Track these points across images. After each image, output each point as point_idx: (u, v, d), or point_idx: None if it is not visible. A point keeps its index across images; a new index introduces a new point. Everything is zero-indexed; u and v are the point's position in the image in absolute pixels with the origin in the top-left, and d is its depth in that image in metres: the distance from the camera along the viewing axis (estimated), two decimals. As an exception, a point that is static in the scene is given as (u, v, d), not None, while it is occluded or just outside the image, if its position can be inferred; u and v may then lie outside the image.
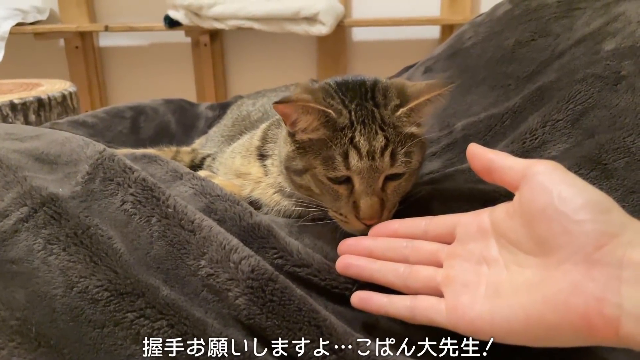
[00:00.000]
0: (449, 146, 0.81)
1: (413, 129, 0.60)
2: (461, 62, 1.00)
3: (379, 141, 0.58)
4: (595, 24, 0.81)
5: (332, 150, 0.58)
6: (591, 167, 0.62)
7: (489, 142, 0.76)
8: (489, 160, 0.48)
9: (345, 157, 0.57)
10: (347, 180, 0.59)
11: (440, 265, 0.51)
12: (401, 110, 0.59)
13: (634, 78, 0.70)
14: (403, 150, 0.58)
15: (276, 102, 0.58)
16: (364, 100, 0.60)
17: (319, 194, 0.62)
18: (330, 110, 0.58)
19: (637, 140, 0.63)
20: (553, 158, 0.66)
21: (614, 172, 0.61)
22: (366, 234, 0.59)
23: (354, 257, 0.55)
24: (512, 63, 0.88)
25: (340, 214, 0.60)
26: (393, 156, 0.58)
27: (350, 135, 0.58)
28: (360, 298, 0.53)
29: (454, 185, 0.66)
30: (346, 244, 0.57)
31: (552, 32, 0.87)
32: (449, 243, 0.52)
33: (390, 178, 0.60)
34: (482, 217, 0.49)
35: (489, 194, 0.61)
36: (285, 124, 0.62)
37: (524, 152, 0.68)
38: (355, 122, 0.58)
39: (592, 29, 0.81)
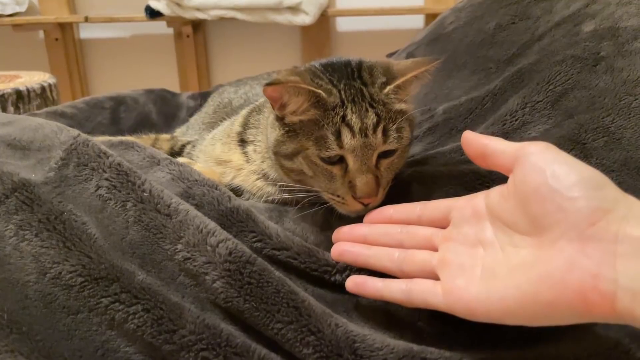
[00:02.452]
0: (430, 130, 0.80)
1: (402, 106, 0.60)
2: (442, 47, 0.99)
3: (371, 118, 0.58)
4: (575, 6, 0.81)
5: (325, 130, 0.58)
6: (571, 146, 0.62)
7: (470, 125, 0.76)
8: (483, 145, 0.48)
9: (338, 135, 0.57)
10: (341, 160, 0.59)
11: (435, 250, 0.50)
12: (389, 88, 0.59)
13: (613, 59, 0.70)
14: (394, 127, 0.59)
15: (266, 84, 0.57)
16: (351, 80, 0.60)
17: (312, 176, 0.61)
18: (320, 91, 0.58)
19: (616, 120, 0.63)
20: (533, 139, 0.66)
21: (593, 151, 0.61)
22: (362, 215, 0.59)
23: (348, 243, 0.55)
24: (492, 47, 0.87)
25: (338, 196, 0.60)
26: (385, 132, 0.58)
27: (342, 113, 0.58)
28: (355, 282, 0.53)
29: (434, 168, 0.66)
30: (340, 231, 0.57)
31: (532, 15, 0.86)
32: (444, 227, 0.51)
33: (383, 155, 0.60)
34: (476, 200, 0.49)
35: (468, 176, 0.61)
36: (274, 108, 0.62)
37: (504, 134, 0.68)
38: (345, 101, 0.58)
39: (571, 11, 0.80)
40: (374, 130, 0.58)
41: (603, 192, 0.39)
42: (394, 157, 0.61)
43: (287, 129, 0.61)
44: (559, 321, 0.40)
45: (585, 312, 0.37)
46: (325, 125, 0.58)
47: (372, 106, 0.58)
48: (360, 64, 0.63)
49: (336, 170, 0.59)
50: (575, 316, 0.38)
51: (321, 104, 0.58)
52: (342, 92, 0.59)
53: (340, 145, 0.57)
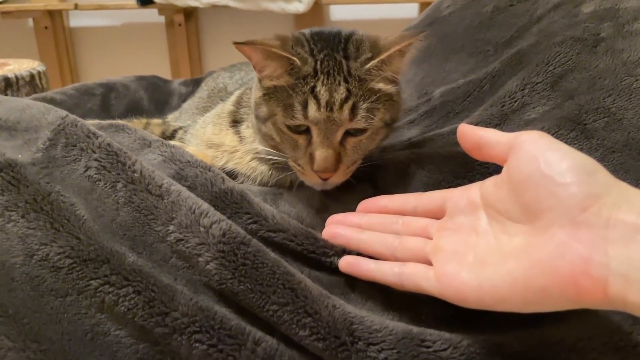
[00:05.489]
0: (427, 113, 0.79)
1: (381, 85, 0.59)
2: (439, 30, 0.98)
3: (340, 93, 0.57)
4: (574, -13, 0.80)
5: (293, 99, 0.58)
6: (571, 127, 0.61)
7: (468, 108, 0.75)
8: (478, 137, 0.48)
9: (305, 106, 0.57)
10: (307, 131, 0.59)
11: (430, 239, 0.50)
12: (372, 63, 0.58)
13: (613, 40, 0.69)
14: (365, 105, 0.57)
15: (238, 43, 0.57)
16: (334, 51, 0.59)
17: (280, 142, 0.61)
18: (294, 58, 0.57)
19: (616, 101, 0.62)
20: (532, 120, 0.65)
21: (594, 132, 0.60)
22: (324, 188, 0.60)
23: (341, 226, 0.55)
24: (490, 29, 0.86)
25: (299, 165, 0.60)
26: (354, 110, 0.57)
27: (312, 84, 0.57)
28: (348, 263, 0.52)
29: (432, 149, 0.65)
30: (335, 219, 0.57)
31: (531, -3, 0.85)
32: (439, 218, 0.51)
33: (351, 133, 0.59)
34: (471, 191, 0.49)
35: (468, 156, 0.60)
36: (255, 69, 0.62)
37: (503, 115, 0.67)
38: (319, 72, 0.58)
39: (570, -8, 0.79)
40: (341, 106, 0.57)
41: (595, 178, 0.39)
42: (362, 137, 0.60)
43: (264, 92, 0.62)
44: (551, 307, 0.40)
45: (577, 297, 0.37)
46: (294, 94, 0.57)
47: (346, 81, 0.57)
48: (349, 36, 0.62)
49: (301, 140, 0.60)
50: (568, 302, 0.38)
51: (295, 72, 0.58)
52: (319, 63, 0.58)
53: (305, 115, 0.57)
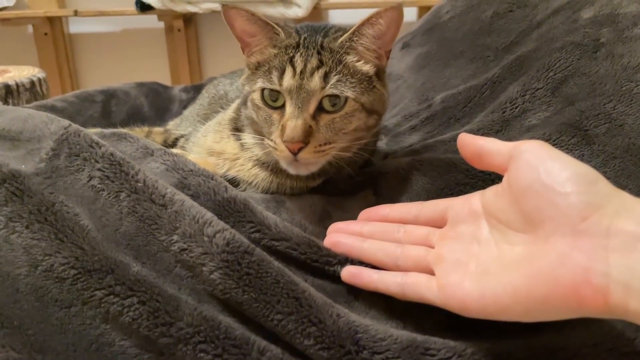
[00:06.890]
0: (429, 119, 0.79)
1: (354, 59, 0.62)
2: (439, 36, 0.98)
3: (312, 62, 0.61)
4: (573, -8, 0.80)
5: (273, 67, 0.62)
6: (572, 133, 0.61)
7: (469, 114, 0.75)
8: (478, 146, 0.48)
9: (282, 73, 0.61)
10: (282, 107, 0.62)
11: (431, 247, 0.50)
12: (343, 37, 0.62)
13: (613, 45, 0.69)
14: (337, 76, 0.60)
15: (225, 5, 0.62)
16: (316, 34, 0.64)
17: (257, 121, 0.66)
18: (278, 28, 0.63)
19: (617, 106, 0.62)
20: (534, 126, 0.65)
21: (595, 138, 0.60)
22: (298, 173, 0.63)
23: (343, 235, 0.55)
24: (490, 35, 0.87)
25: (272, 140, 0.62)
26: (326, 78, 0.60)
27: (292, 54, 0.62)
28: (350, 273, 0.52)
29: (433, 155, 0.65)
30: (336, 227, 0.57)
31: (530, 3, 0.85)
32: (441, 227, 0.51)
33: (326, 110, 0.61)
34: (473, 200, 0.49)
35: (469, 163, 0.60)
36: (243, 52, 0.67)
37: (504, 121, 0.67)
38: (301, 45, 0.63)
39: (570, -2, 0.80)
40: (312, 73, 0.60)
41: (595, 187, 0.39)
42: (336, 116, 0.61)
43: (248, 72, 0.67)
44: (553, 317, 0.40)
45: (579, 306, 0.37)
46: (276, 63, 0.62)
47: (319, 53, 0.62)
48: (335, 26, 0.67)
49: (275, 115, 0.63)
50: (569, 311, 0.38)
51: (279, 43, 0.64)
52: (302, 38, 0.63)
53: (281, 82, 0.61)
